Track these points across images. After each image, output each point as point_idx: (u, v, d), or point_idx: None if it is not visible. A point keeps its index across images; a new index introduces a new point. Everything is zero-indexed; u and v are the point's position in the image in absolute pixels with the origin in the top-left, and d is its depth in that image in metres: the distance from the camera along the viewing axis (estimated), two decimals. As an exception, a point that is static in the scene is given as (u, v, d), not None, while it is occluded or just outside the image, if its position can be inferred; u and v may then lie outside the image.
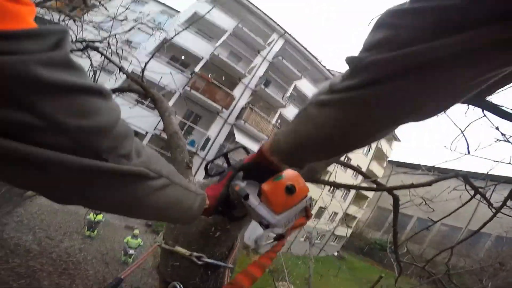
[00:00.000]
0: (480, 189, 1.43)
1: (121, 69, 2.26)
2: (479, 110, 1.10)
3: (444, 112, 0.36)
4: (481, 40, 0.24)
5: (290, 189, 0.55)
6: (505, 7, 0.22)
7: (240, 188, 0.59)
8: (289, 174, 0.58)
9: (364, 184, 2.15)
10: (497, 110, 1.07)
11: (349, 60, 0.34)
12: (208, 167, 0.78)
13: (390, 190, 1.57)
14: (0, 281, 4.29)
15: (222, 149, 12.85)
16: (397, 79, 0.29)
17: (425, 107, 0.32)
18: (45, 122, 0.24)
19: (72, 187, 0.30)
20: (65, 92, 0.25)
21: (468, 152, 1.31)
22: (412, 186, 1.54)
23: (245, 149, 0.80)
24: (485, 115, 1.04)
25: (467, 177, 1.40)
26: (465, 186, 1.37)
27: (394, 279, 2.08)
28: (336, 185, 1.72)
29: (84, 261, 6.31)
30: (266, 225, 0.56)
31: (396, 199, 1.61)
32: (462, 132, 1.34)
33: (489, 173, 1.59)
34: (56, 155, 0.25)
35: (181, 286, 0.76)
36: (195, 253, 0.80)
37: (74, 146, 0.27)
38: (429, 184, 1.51)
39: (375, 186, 1.74)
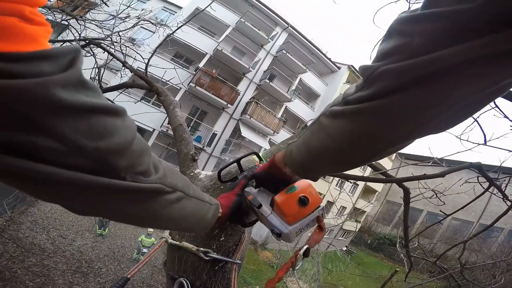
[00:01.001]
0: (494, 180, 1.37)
1: (124, 64, 2.24)
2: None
3: (461, 122, 0.32)
4: (497, 45, 0.22)
5: (303, 201, 0.57)
6: None
7: (253, 198, 0.62)
8: (302, 185, 0.59)
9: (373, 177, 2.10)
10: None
11: (362, 70, 0.33)
12: (221, 173, 0.79)
13: (400, 182, 1.52)
14: (17, 280, 4.43)
15: (233, 151, 12.86)
16: (411, 88, 0.28)
17: (440, 116, 0.30)
18: (66, 147, 0.25)
19: (91, 202, 0.32)
20: (83, 113, 0.25)
21: (485, 142, 1.25)
22: (424, 177, 1.49)
23: (258, 156, 0.82)
24: (496, 106, 0.98)
25: (481, 168, 1.34)
26: (478, 179, 1.31)
27: (404, 274, 2.04)
28: (345, 177, 1.67)
29: (97, 259, 6.47)
30: (278, 234, 0.58)
31: (406, 192, 1.56)
32: (475, 120, 1.28)
33: (502, 165, 1.52)
34: (76, 175, 0.27)
35: (188, 282, 0.74)
36: (201, 249, 0.78)
37: (93, 166, 0.28)
38: (442, 175, 1.45)
39: (384, 178, 1.69)
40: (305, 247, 0.54)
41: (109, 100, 0.35)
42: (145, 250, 7.33)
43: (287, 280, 5.14)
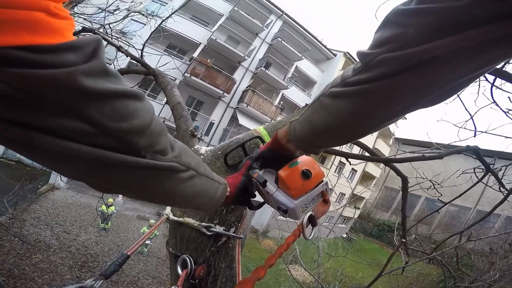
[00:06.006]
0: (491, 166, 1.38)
1: (119, 48, 2.18)
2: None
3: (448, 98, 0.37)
4: (480, 37, 0.26)
5: (306, 174, 0.57)
6: (503, 9, 0.24)
7: (258, 175, 0.62)
8: (305, 159, 0.61)
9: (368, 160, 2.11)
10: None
11: (361, 56, 0.37)
12: (228, 158, 0.80)
13: (399, 162, 1.51)
14: (26, 277, 4.51)
15: (231, 136, 12.83)
16: (405, 73, 0.32)
17: (431, 96, 0.35)
18: (93, 128, 0.27)
19: (114, 179, 0.35)
20: (107, 98, 0.28)
21: (475, 134, 1.25)
22: (423, 158, 1.49)
23: (261, 139, 0.83)
24: (494, 101, 0.98)
25: (478, 152, 1.33)
26: (474, 170, 1.32)
27: (403, 261, 2.09)
28: (345, 155, 1.67)
29: (102, 253, 6.57)
30: (284, 211, 0.59)
31: (404, 180, 1.57)
32: (471, 117, 1.28)
33: (497, 153, 1.53)
34: (103, 153, 0.30)
35: (191, 259, 0.73)
36: (204, 223, 0.77)
37: (117, 145, 0.31)
38: (440, 157, 1.46)
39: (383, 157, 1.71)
40: (309, 214, 0.54)
41: None
42: (148, 241, 7.35)
43: (289, 267, 5.25)
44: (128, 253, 0.70)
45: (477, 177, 1.32)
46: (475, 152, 1.38)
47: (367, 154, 1.66)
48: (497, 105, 1.21)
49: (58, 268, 5.14)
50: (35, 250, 5.27)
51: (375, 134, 18.41)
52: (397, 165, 1.57)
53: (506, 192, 1.28)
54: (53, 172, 7.71)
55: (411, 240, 1.92)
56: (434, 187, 1.57)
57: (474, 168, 1.27)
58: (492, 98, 1.00)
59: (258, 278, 0.42)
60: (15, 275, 4.40)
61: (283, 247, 0.49)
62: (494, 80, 1.19)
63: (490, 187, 1.30)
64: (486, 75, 1.35)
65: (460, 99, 1.29)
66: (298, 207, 0.57)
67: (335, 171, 16.86)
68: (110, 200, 8.31)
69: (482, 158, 1.37)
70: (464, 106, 1.25)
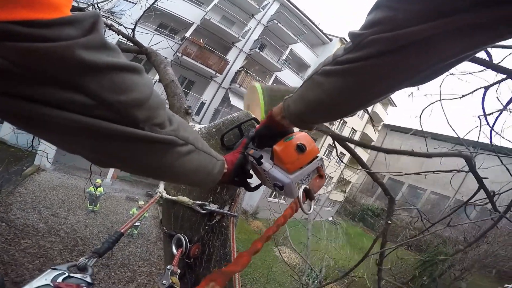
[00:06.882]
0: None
1: (110, 27, 2.08)
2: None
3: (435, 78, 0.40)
4: (463, 22, 0.28)
5: (301, 147, 0.58)
6: None
7: (254, 152, 0.64)
8: (300, 135, 0.62)
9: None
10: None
11: (352, 36, 0.38)
12: (224, 139, 0.80)
13: (388, 153, 1.55)
14: (16, 263, 4.47)
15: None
16: (394, 53, 0.34)
17: (417, 76, 0.37)
18: (93, 100, 0.28)
19: (113, 152, 0.35)
20: (106, 71, 0.28)
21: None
22: (412, 153, 1.53)
23: (256, 121, 0.83)
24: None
25: (470, 160, 1.35)
26: (457, 171, 1.35)
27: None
28: (337, 138, 1.71)
29: (91, 236, 6.58)
30: (280, 187, 0.59)
31: (392, 201, 1.63)
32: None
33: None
34: (102, 123, 0.30)
35: (186, 238, 0.72)
36: (198, 202, 0.77)
37: (116, 117, 0.31)
38: (429, 156, 1.49)
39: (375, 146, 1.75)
40: (303, 187, 0.55)
41: None
42: (137, 223, 7.37)
43: (279, 248, 5.45)
44: (122, 231, 0.69)
45: (463, 172, 1.34)
46: (467, 161, 1.41)
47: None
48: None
49: (48, 253, 5.12)
50: (23, 235, 5.20)
51: (364, 119, 18.68)
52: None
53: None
54: (38, 152, 7.45)
55: (393, 226, 2.01)
56: (420, 216, 1.61)
57: (458, 171, 1.30)
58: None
59: (256, 250, 0.42)
60: (5, 262, 4.35)
61: (280, 220, 0.50)
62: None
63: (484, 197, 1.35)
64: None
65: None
66: (294, 182, 0.57)
67: (324, 153, 17.16)
68: (98, 181, 8.19)
69: (475, 170, 1.39)
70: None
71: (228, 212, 0.80)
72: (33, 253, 4.90)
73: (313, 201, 0.57)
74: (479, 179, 1.33)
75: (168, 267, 0.65)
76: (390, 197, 1.54)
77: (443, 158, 1.58)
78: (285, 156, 0.58)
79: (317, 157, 0.61)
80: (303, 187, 0.55)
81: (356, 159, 1.87)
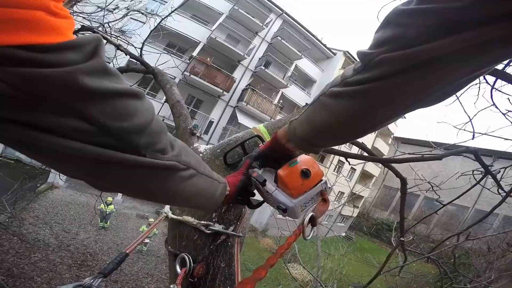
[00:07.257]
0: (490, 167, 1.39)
1: (118, 47, 2.18)
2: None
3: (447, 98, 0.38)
4: (479, 38, 0.26)
5: (306, 173, 0.58)
6: (502, 10, 0.24)
7: (258, 175, 0.62)
8: (304, 159, 0.61)
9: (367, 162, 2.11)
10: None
11: (361, 55, 0.37)
12: (228, 158, 0.80)
13: (399, 162, 1.51)
14: (25, 276, 4.49)
15: (229, 134, 12.83)
16: (405, 73, 0.32)
17: (430, 96, 0.35)
18: (93, 127, 0.27)
19: (114, 178, 0.35)
20: (107, 97, 0.27)
21: (474, 135, 1.26)
22: (422, 159, 1.49)
23: (260, 138, 0.82)
24: (494, 104, 0.98)
25: (477, 154, 1.33)
26: (473, 172, 1.32)
27: (402, 260, 2.10)
28: (343, 155, 1.68)
29: (101, 252, 6.57)
30: (283, 210, 0.59)
31: (403, 182, 1.58)
32: (470, 120, 1.29)
33: (496, 153, 1.54)
34: (103, 151, 0.30)
35: (190, 257, 0.73)
36: (203, 222, 0.77)
37: (117, 144, 0.31)
38: (439, 158, 1.46)
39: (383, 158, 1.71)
40: (310, 215, 0.54)
41: None
42: (147, 240, 7.36)
43: (288, 266, 5.27)
44: (127, 252, 0.69)
45: (475, 179, 1.32)
46: (474, 154, 1.38)
47: (366, 154, 1.67)
48: (496, 107, 1.22)
49: (57, 267, 5.13)
50: (34, 249, 5.25)
51: (374, 133, 18.43)
52: (396, 165, 1.57)
53: (505, 193, 1.29)
54: (52, 171, 7.69)
55: (409, 240, 1.93)
56: (433, 189, 1.57)
57: (473, 171, 1.27)
58: (492, 100, 1.01)
59: (258, 278, 0.42)
60: (14, 274, 4.39)
61: (284, 247, 0.49)
62: (495, 82, 1.20)
63: (489, 189, 1.30)
64: (487, 77, 1.36)
65: (459, 101, 1.30)
66: (297, 206, 0.57)
67: (334, 170, 16.88)
68: (109, 199, 8.30)
69: (481, 160, 1.37)
70: (464, 109, 1.25)
71: (233, 232, 0.80)
72: (43, 267, 4.92)
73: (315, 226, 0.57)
74: (485, 166, 1.28)
75: (172, 286, 0.65)
76: (401, 179, 1.49)
77: (458, 171, 1.54)
78: (290, 181, 0.58)
79: (321, 180, 0.61)
80: (309, 215, 0.54)
81: (364, 150, 1.81)
